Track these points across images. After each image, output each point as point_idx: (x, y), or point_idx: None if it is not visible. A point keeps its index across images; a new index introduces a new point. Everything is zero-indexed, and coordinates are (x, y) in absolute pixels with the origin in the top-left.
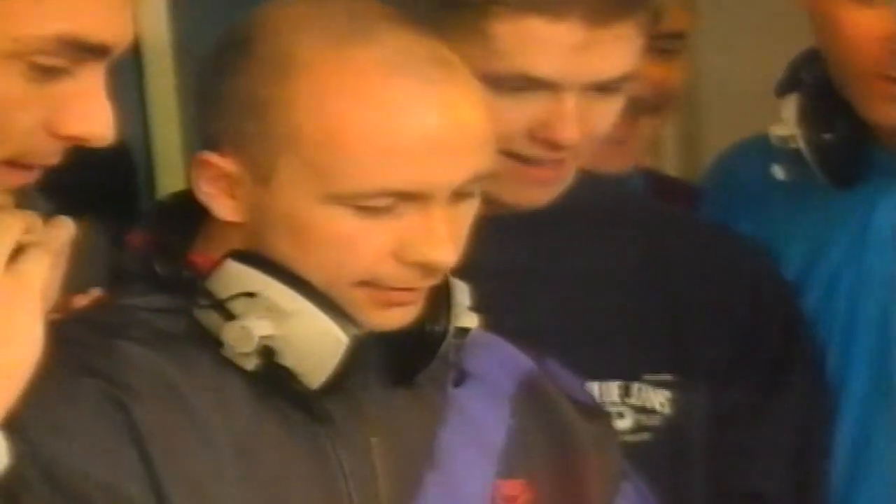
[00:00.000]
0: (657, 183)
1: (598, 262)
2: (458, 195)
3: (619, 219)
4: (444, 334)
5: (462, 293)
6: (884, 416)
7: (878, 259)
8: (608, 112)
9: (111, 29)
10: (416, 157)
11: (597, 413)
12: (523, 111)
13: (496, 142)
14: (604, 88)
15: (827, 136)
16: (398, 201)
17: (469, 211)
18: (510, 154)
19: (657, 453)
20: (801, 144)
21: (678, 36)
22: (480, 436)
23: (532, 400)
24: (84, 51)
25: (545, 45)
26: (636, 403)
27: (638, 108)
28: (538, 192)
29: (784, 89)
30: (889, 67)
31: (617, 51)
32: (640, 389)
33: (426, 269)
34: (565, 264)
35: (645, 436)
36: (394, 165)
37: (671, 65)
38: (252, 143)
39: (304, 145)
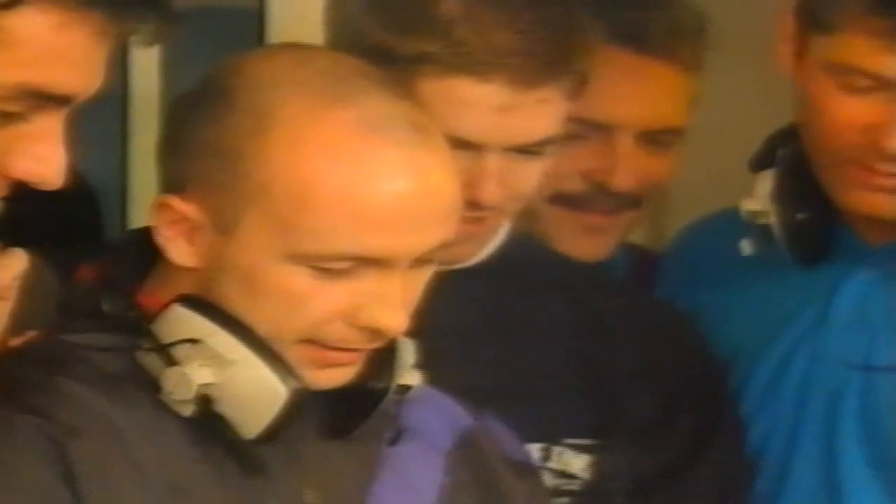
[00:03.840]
0: (639, 257)
1: (532, 325)
2: (419, 261)
3: (556, 283)
4: (385, 391)
5: (408, 351)
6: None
7: (835, 341)
8: (531, 174)
9: (78, 79)
10: (385, 225)
11: (529, 471)
12: None
13: None
14: (527, 150)
15: (799, 215)
16: (358, 265)
17: (425, 276)
18: None
19: None
20: (772, 221)
21: (675, 132)
22: (412, 492)
23: (467, 456)
24: (46, 99)
25: (471, 105)
26: (556, 467)
27: (622, 202)
28: (460, 246)
29: (759, 164)
30: (868, 157)
31: (540, 114)
32: (560, 453)
33: (375, 333)
34: (503, 325)
35: (563, 500)
36: (361, 231)
37: (662, 160)
38: (220, 191)
39: (274, 201)
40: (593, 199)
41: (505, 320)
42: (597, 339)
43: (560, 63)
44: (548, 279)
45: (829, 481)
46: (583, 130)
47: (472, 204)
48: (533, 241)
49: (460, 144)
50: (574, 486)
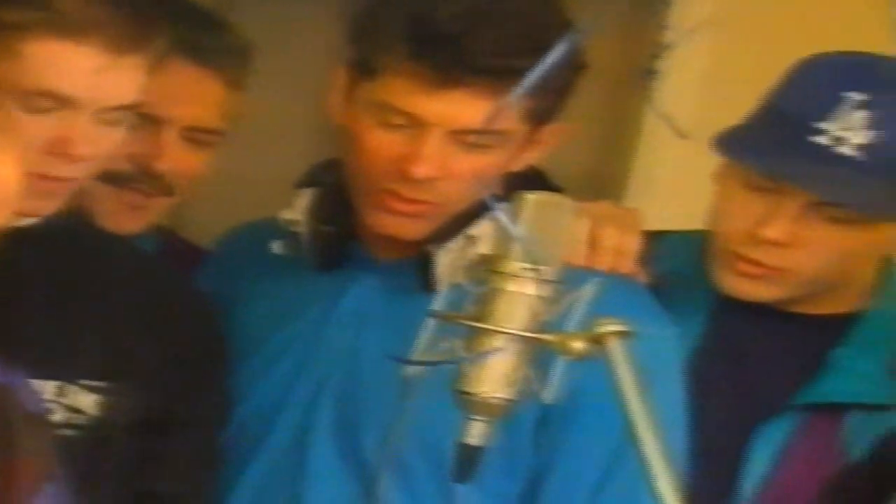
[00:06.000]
0: (170, 242)
1: (65, 285)
2: None
3: (91, 250)
4: None
5: None
6: (292, 457)
7: (335, 336)
8: (112, 139)
9: None
10: None
11: (39, 422)
12: (43, 129)
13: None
14: (113, 122)
15: (322, 228)
16: None
17: None
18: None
19: (80, 449)
20: (301, 229)
21: (214, 132)
22: None
23: None
24: None
25: (69, 65)
26: (68, 403)
27: (161, 186)
28: (41, 201)
29: (302, 183)
30: (396, 183)
31: (129, 79)
32: (74, 392)
33: None
34: (46, 284)
35: (72, 432)
36: None
37: (199, 156)
38: None
39: None
40: (137, 179)
41: (46, 282)
42: (109, 296)
43: (144, 37)
44: (82, 246)
45: (298, 467)
46: (136, 120)
47: (66, 157)
48: (80, 215)
49: (59, 102)
50: (82, 420)
